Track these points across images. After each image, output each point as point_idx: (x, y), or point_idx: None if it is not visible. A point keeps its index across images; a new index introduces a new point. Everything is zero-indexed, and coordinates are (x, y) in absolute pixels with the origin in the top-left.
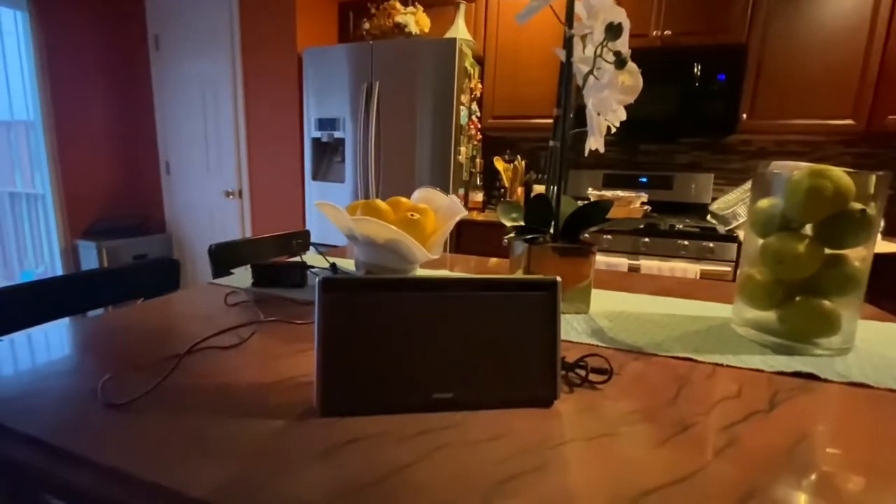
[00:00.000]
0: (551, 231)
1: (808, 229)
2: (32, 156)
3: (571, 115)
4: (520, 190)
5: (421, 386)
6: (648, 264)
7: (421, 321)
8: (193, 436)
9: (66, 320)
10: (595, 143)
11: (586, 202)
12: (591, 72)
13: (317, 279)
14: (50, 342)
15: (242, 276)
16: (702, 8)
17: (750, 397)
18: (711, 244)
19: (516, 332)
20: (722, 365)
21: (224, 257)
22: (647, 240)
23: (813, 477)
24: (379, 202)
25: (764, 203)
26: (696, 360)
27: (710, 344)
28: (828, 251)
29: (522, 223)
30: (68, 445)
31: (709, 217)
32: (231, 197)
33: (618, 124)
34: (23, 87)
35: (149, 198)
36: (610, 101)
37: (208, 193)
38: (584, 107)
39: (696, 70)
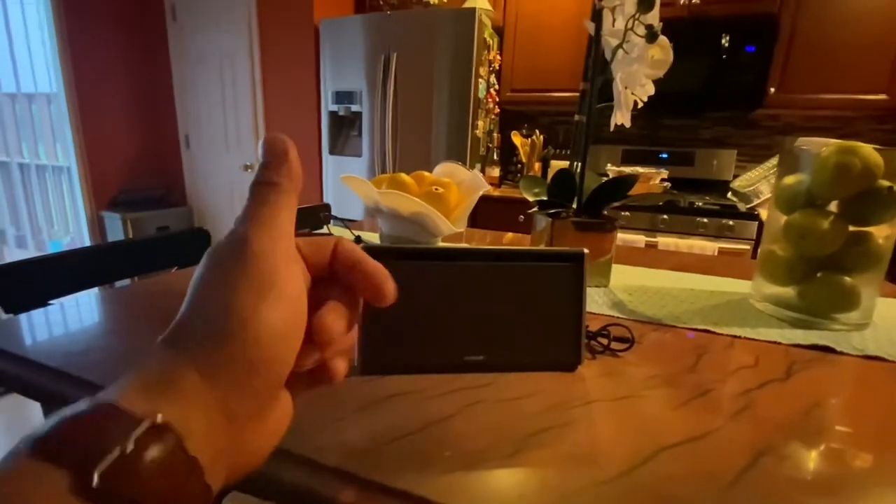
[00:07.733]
0: (573, 206)
1: (833, 206)
2: (55, 128)
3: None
4: (537, 165)
5: (453, 349)
6: (666, 241)
7: (452, 289)
8: None
9: (96, 290)
10: (621, 117)
11: (609, 178)
12: (620, 45)
13: None
14: (89, 308)
15: None
16: None
17: (766, 367)
18: (731, 222)
19: (543, 300)
20: (740, 337)
21: None
22: (665, 217)
23: (826, 439)
24: (404, 176)
25: (790, 179)
26: (714, 332)
27: (729, 317)
28: (852, 228)
29: (545, 198)
30: None
31: (729, 194)
32: (249, 171)
33: (645, 99)
34: (44, 58)
35: (170, 171)
36: (639, 75)
37: (228, 168)
38: (611, 80)
39: (724, 41)
